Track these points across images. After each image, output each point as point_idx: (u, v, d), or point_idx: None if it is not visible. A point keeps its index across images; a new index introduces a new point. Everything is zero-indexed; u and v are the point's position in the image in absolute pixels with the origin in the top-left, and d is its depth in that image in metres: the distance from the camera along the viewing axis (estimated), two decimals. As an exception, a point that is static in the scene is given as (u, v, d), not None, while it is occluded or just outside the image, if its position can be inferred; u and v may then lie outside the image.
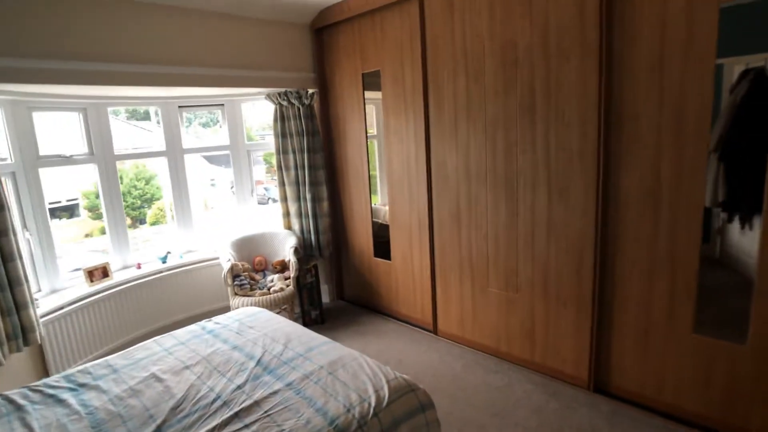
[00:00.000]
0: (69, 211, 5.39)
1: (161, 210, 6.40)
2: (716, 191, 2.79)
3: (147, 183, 6.38)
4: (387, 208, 3.69)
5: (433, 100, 3.06)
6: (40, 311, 2.70)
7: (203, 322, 2.52)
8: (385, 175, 3.67)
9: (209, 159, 6.11)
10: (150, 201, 6.21)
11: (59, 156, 3.14)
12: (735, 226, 2.94)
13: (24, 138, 2.87)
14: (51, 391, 1.93)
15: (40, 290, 2.96)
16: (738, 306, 2.10)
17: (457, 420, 2.38)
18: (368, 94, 3.62)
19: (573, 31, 2.31)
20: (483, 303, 3.01)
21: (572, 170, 2.43)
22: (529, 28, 2.48)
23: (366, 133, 3.64)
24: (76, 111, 3.22)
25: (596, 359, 2.52)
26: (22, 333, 2.48)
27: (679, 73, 2.04)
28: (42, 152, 2.98)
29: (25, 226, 2.90)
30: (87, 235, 6.07)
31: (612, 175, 2.32)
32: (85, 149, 3.28)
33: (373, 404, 1.74)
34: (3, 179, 2.55)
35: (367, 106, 3.64)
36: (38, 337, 2.55)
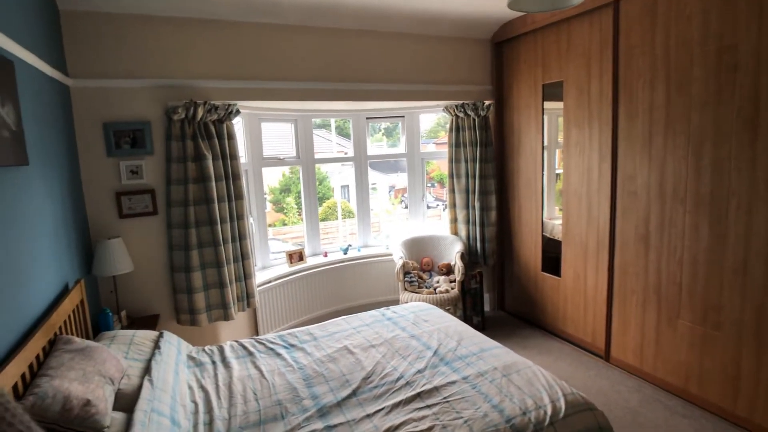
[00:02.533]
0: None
1: (330, 208, 7.26)
2: None
3: (320, 183, 7.30)
4: (555, 222, 3.57)
5: (623, 111, 2.87)
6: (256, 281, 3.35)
7: (383, 310, 2.81)
8: (554, 188, 3.56)
9: (371, 165, 6.74)
10: (322, 200, 7.09)
11: (276, 158, 3.85)
12: None
13: (254, 143, 3.60)
14: (270, 345, 2.41)
15: (256, 265, 3.67)
16: None
17: (634, 456, 2.20)
18: (545, 105, 3.57)
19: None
20: (669, 335, 2.70)
21: (810, 194, 2.05)
22: (757, 28, 2.17)
23: (543, 144, 3.58)
24: (290, 122, 3.91)
25: (830, 426, 2.06)
26: (246, 297, 3.12)
27: None
28: (264, 154, 3.70)
29: (250, 212, 3.63)
30: (270, 225, 7.20)
31: None
32: (293, 153, 3.95)
33: (549, 413, 1.74)
34: (243, 175, 3.25)
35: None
36: (256, 302, 3.17)
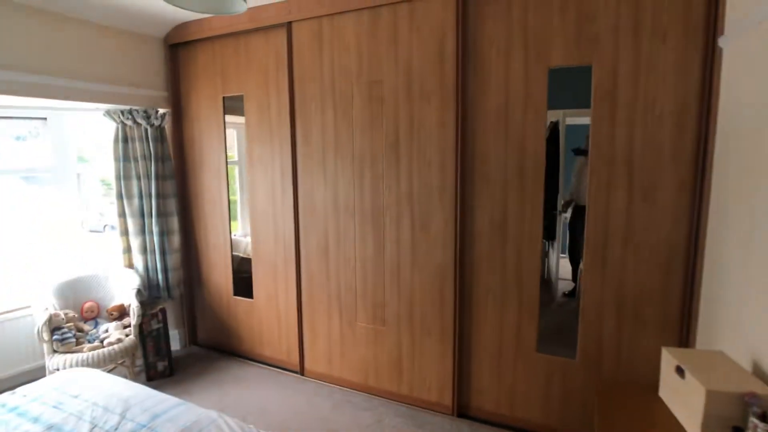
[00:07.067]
0: None
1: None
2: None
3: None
4: (249, 239, 3.44)
5: (300, 131, 2.98)
6: None
7: (4, 396, 1.95)
8: (247, 205, 3.44)
9: (25, 178, 5.02)
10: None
11: None
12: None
13: None
14: None
15: None
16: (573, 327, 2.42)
17: (328, 468, 2.25)
18: (229, 118, 3.39)
19: (434, 76, 2.49)
20: (351, 338, 2.96)
21: (433, 206, 2.58)
22: (395, 69, 2.61)
23: (226, 159, 3.38)
24: None
25: (458, 384, 2.65)
26: None
27: (520, 120, 2.34)
28: None
29: None
30: None
31: (468, 210, 2.52)
32: None
33: (234, 473, 1.52)
34: None
35: (227, 130, 3.40)
36: None
